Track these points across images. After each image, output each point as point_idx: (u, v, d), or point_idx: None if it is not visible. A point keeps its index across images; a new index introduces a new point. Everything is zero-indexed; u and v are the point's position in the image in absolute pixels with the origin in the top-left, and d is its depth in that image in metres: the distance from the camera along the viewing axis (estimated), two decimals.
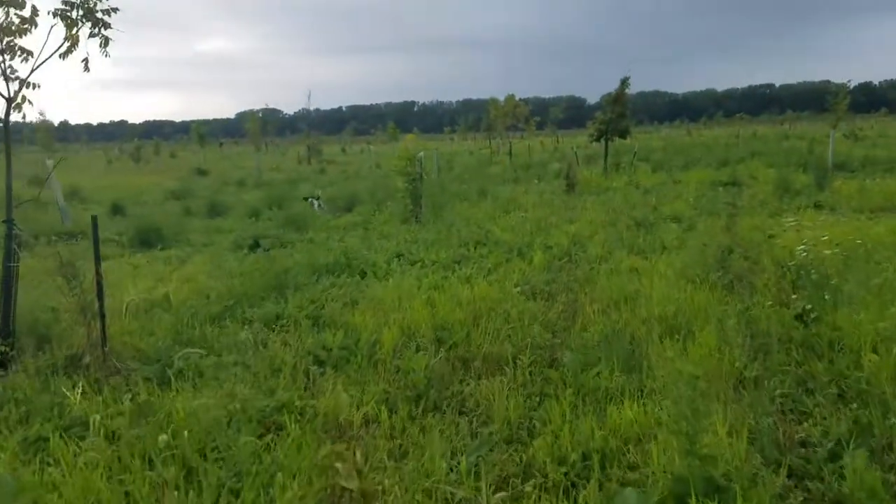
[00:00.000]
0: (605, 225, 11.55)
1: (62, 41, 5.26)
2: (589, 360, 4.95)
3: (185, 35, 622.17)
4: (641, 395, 4.45)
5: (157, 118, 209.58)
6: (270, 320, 6.15)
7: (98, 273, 4.87)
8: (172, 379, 4.54)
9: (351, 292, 7.02)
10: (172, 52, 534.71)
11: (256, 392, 4.43)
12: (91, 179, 25.46)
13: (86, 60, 5.49)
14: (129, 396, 4.24)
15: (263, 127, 77.88)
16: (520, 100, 36.25)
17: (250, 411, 4.09)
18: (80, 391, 4.13)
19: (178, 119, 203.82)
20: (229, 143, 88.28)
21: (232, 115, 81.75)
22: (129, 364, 4.85)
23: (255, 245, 9.49)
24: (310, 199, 16.69)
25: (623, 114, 22.93)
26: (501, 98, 35.92)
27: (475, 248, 9.45)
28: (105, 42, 5.41)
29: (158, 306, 6.29)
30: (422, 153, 12.31)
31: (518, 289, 7.23)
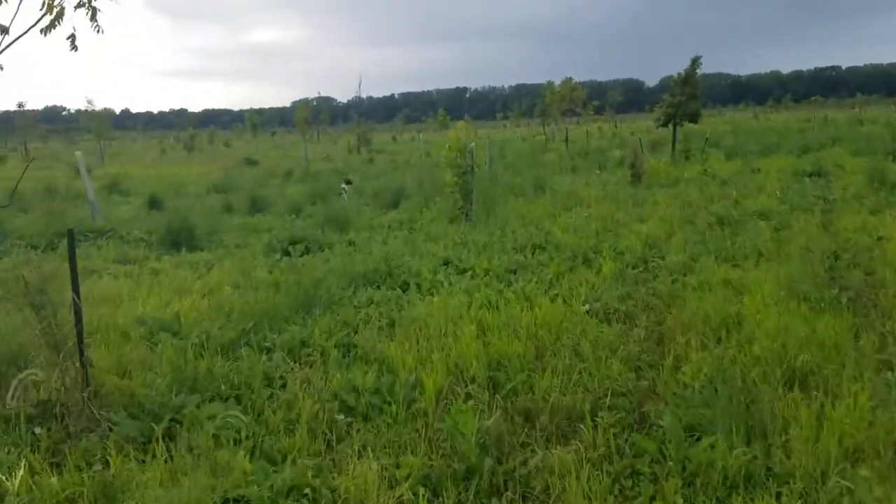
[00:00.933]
0: (681, 223, 10.19)
1: (41, 12, 4.32)
2: (693, 421, 3.77)
3: (243, 25, 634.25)
4: (772, 480, 3.27)
5: (216, 107, 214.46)
6: (294, 348, 5.18)
7: (75, 301, 3.95)
8: (159, 441, 3.59)
9: (390, 311, 5.98)
10: (231, 42, 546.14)
11: (260, 464, 3.43)
12: (140, 169, 25.32)
13: (72, 37, 4.54)
14: (98, 469, 3.31)
15: (315, 115, 78.55)
16: (576, 83, 34.51)
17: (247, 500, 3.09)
18: (21, 471, 3.16)
19: (235, 108, 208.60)
20: (282, 132, 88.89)
21: (287, 104, 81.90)
22: (114, 415, 3.94)
23: (286, 250, 8.58)
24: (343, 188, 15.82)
25: (694, 95, 21.21)
26: (557, 82, 34.36)
27: (533, 254, 8.29)
28: (93, 14, 4.45)
29: (168, 329, 5.39)
30: (473, 143, 11.18)
31: (587, 307, 6.06)
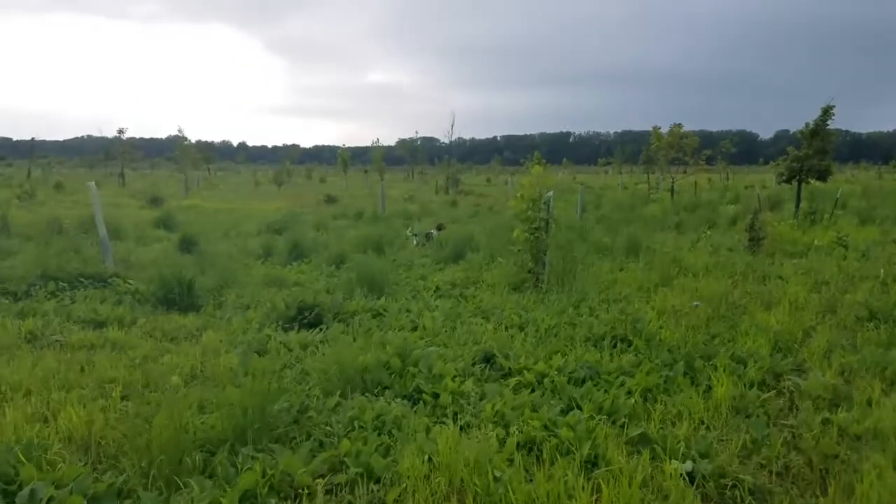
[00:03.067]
0: (820, 313, 7.56)
1: None
2: None
3: (353, 67, 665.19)
4: None
5: (326, 143, 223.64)
6: None
7: None
8: None
9: (379, 446, 3.91)
10: (343, 83, 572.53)
11: None
12: (216, 202, 24.81)
13: None
14: None
15: (413, 154, 78.62)
16: (687, 132, 31.49)
17: None
18: None
19: (346, 145, 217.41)
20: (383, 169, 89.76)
21: (393, 143, 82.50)
22: None
23: (294, 318, 6.73)
24: (410, 232, 14.03)
25: (824, 150, 18.01)
26: (665, 128, 31.43)
27: (614, 351, 6.01)
28: None
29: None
30: (551, 193, 9.07)
31: (688, 468, 3.76)
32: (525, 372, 5.30)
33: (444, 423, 4.30)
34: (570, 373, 5.34)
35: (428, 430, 4.13)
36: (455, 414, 4.48)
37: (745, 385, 5.13)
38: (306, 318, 6.67)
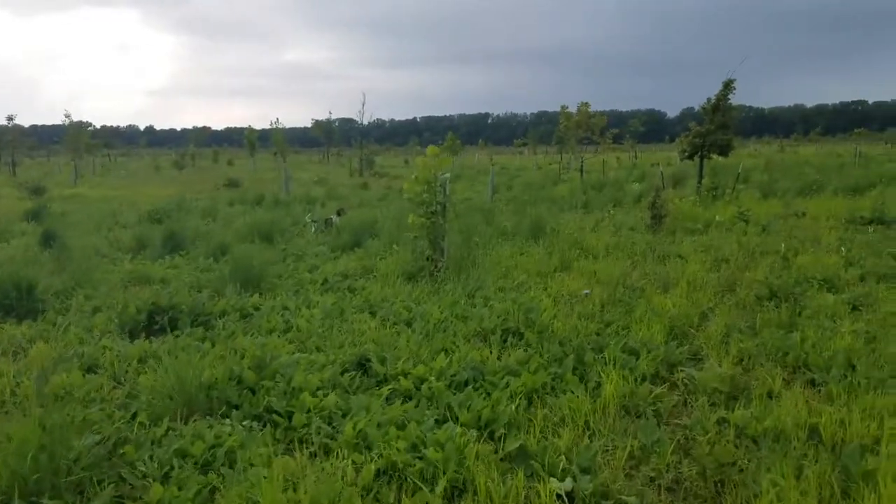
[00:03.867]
0: (719, 294, 7.39)
1: None
2: None
3: (266, 46, 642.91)
4: None
5: (238, 125, 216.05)
6: None
7: None
8: None
9: (201, 490, 3.22)
10: (255, 62, 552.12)
11: None
12: (103, 190, 22.93)
13: None
14: None
15: (328, 136, 76.52)
16: (595, 112, 31.73)
17: None
18: None
19: (258, 126, 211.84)
20: (296, 151, 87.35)
21: (309, 125, 79.90)
22: None
23: (145, 323, 5.87)
24: (309, 218, 13.25)
25: (725, 125, 18.33)
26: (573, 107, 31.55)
27: (503, 347, 5.52)
28: None
29: None
30: (447, 174, 8.50)
31: (567, 486, 3.30)
32: (402, 378, 4.71)
33: (290, 451, 3.65)
34: (451, 376, 4.80)
35: (269, 463, 3.47)
36: (308, 438, 3.84)
37: (636, 380, 4.74)
38: (157, 322, 5.83)
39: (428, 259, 8.44)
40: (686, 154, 18.92)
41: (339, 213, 13.63)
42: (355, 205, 18.56)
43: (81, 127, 47.32)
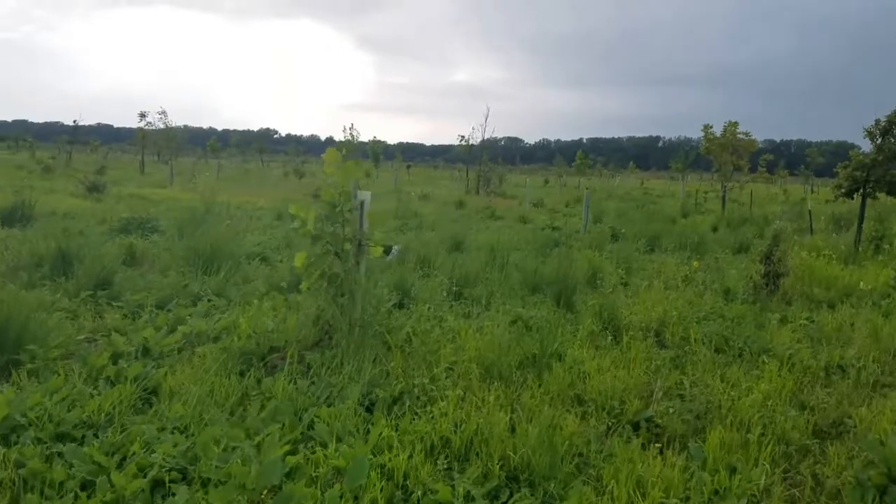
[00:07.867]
0: (787, 457, 3.91)
1: None
2: None
3: (438, 66, 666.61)
4: None
5: (410, 140, 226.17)
6: None
7: None
8: None
9: None
10: (427, 81, 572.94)
11: None
12: (180, 192, 22.50)
13: None
14: None
15: (469, 152, 75.24)
16: (746, 132, 26.69)
17: None
18: None
19: (427, 143, 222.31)
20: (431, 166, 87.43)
21: (476, 143, 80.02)
22: None
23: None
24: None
25: None
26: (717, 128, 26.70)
27: None
28: None
29: None
30: (367, 194, 5.77)
31: None
32: None
33: None
34: None
35: None
36: None
37: None
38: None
39: (326, 333, 5.53)
40: (842, 191, 14.24)
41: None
42: (416, 227, 16.07)
43: (268, 134, 49.16)
